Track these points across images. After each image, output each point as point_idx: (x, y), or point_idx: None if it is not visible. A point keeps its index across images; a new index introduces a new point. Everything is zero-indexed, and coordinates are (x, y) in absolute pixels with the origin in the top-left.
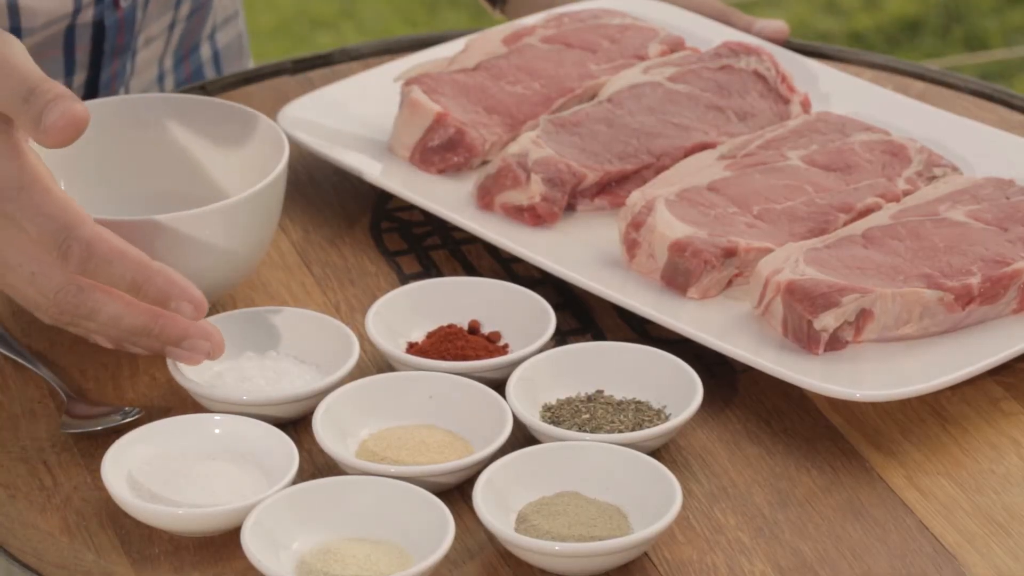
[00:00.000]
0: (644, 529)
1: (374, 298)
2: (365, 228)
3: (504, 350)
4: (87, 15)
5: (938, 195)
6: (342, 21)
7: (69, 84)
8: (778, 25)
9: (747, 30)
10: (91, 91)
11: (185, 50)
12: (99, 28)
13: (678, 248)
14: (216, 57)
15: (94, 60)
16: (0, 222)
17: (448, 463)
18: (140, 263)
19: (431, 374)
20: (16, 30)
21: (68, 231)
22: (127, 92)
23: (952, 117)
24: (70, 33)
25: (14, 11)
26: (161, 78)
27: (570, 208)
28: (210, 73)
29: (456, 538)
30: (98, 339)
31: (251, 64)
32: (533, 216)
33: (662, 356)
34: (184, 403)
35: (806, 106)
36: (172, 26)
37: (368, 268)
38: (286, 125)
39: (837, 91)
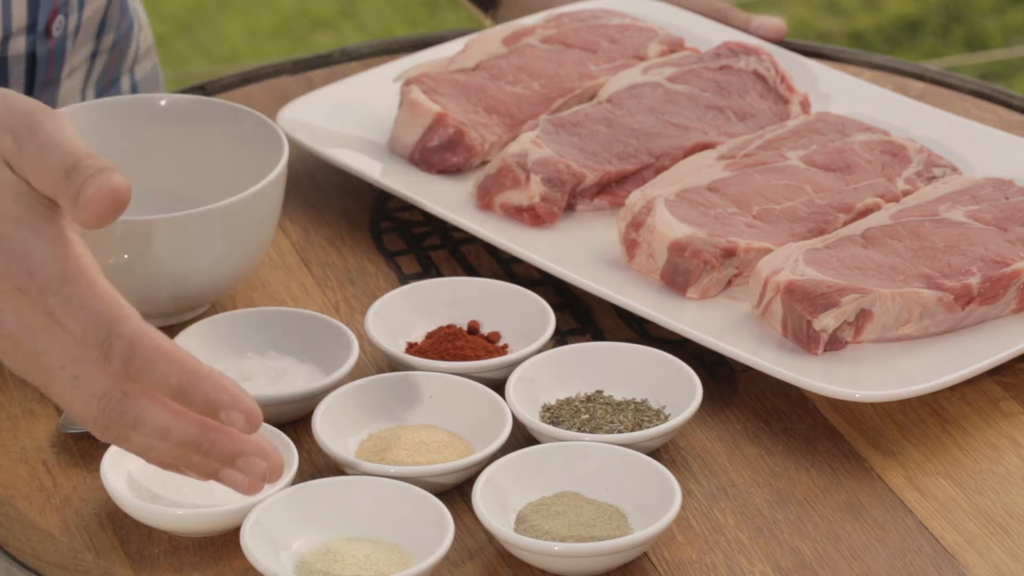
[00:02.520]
0: (644, 529)
1: (374, 298)
2: (365, 228)
3: (504, 350)
4: (18, 45)
5: (938, 195)
6: (342, 21)
7: None
8: (776, 22)
9: (745, 26)
10: None
11: (106, 82)
12: (31, 60)
13: (678, 248)
14: (134, 89)
15: (27, 94)
16: (43, 320)
17: (448, 463)
18: (187, 366)
19: (431, 374)
20: None
21: (111, 328)
22: None
23: (952, 117)
24: (2, 66)
25: None
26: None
27: (570, 208)
28: (124, 86)
29: (456, 538)
30: (152, 459)
31: None
32: (533, 216)
33: (662, 356)
34: None
35: (806, 106)
36: (94, 56)
37: (368, 268)
38: (286, 125)
39: (837, 91)
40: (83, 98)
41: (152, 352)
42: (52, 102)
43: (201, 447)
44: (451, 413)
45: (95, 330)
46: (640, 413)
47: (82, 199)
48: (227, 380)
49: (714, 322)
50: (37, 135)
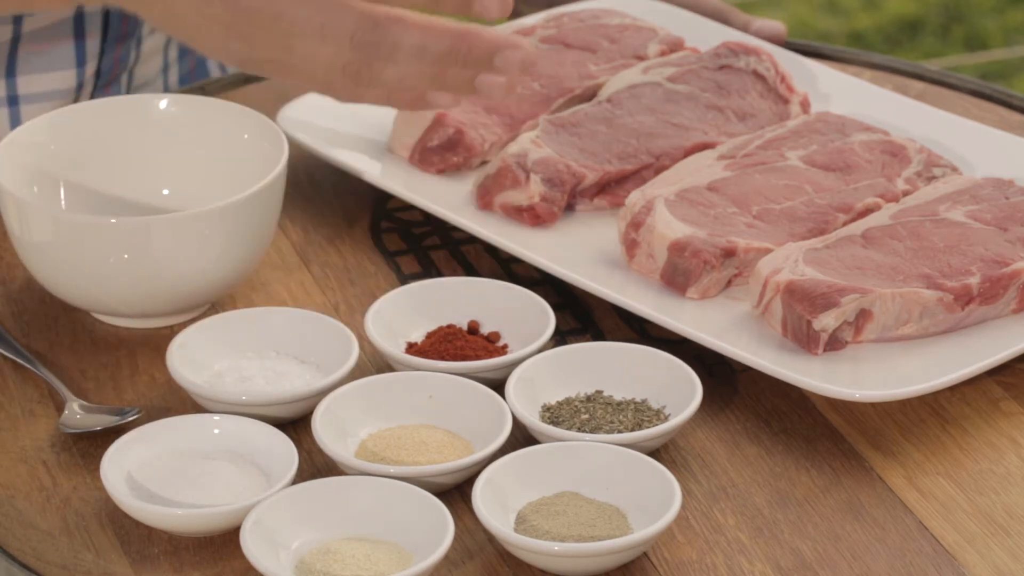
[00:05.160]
0: (644, 529)
1: (374, 298)
2: (365, 228)
3: (503, 350)
4: None
5: (938, 195)
6: None
7: (80, 75)
8: (776, 26)
9: (745, 28)
10: (97, 80)
11: None
12: (106, 12)
13: (678, 248)
14: None
15: (102, 48)
16: None
17: (448, 463)
18: None
19: (431, 374)
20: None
21: None
22: (130, 79)
23: (952, 117)
24: (79, 20)
25: None
26: (166, 68)
27: (570, 208)
28: (212, 65)
29: (456, 538)
30: (403, 97)
31: None
32: (532, 216)
33: (662, 356)
34: (184, 403)
35: (806, 106)
36: None
37: (368, 268)
38: (286, 125)
39: (837, 91)
40: (166, 56)
41: None
42: (128, 55)
43: (459, 54)
44: (451, 413)
45: None
46: (640, 413)
47: None
48: None
49: (714, 322)
50: None
